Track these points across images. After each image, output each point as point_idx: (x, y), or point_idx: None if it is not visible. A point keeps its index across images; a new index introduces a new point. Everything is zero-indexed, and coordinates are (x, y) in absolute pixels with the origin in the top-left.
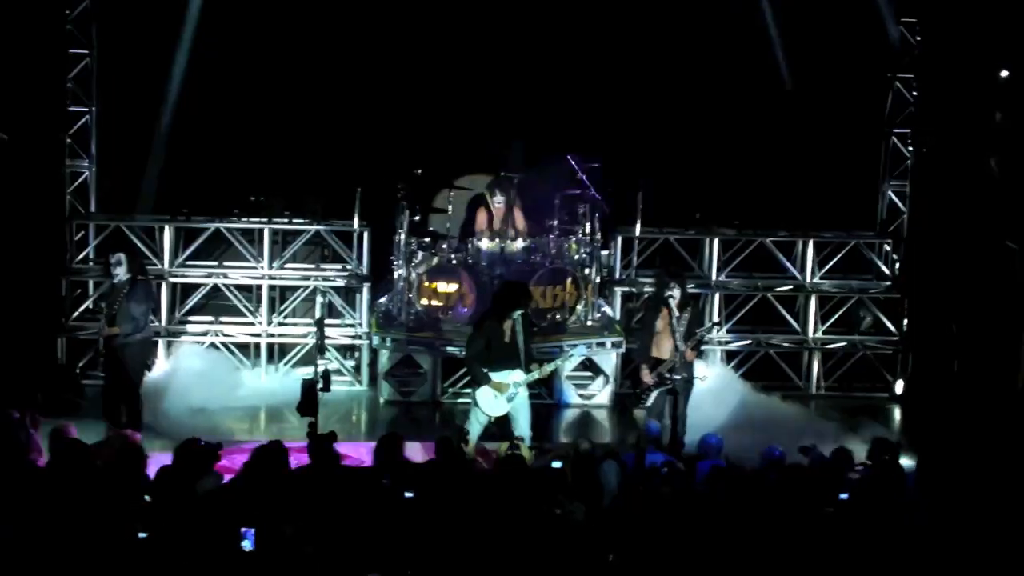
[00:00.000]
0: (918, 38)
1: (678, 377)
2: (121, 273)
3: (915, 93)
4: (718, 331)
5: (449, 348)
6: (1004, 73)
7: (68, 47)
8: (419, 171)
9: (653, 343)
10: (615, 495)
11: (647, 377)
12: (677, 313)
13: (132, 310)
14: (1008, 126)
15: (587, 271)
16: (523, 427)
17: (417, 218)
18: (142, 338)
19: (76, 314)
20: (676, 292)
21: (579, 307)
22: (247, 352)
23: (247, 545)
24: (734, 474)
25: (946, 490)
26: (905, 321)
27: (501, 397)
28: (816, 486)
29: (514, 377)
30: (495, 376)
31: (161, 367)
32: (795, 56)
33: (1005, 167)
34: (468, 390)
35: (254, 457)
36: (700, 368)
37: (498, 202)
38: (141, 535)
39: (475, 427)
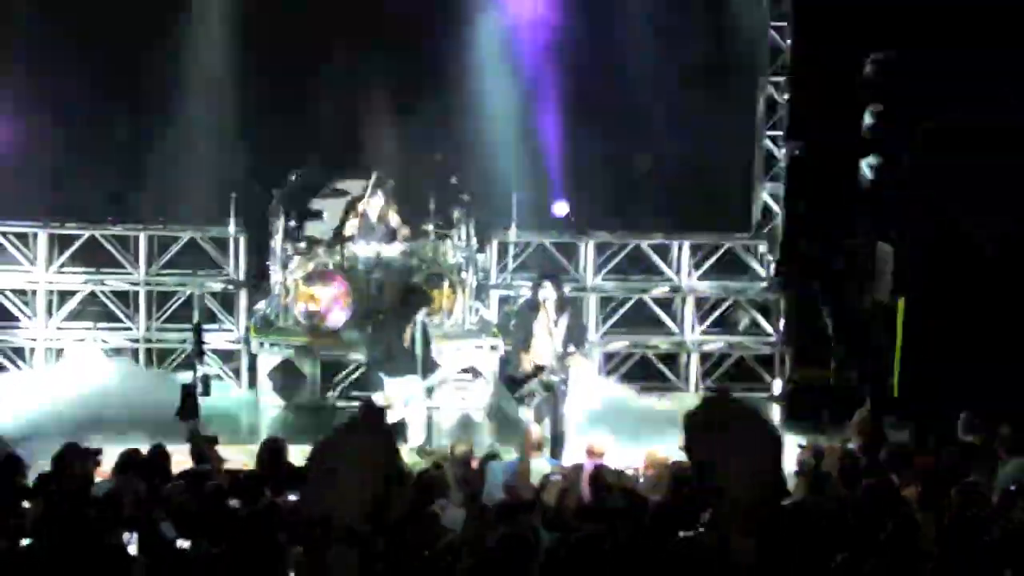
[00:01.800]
0: (788, 41)
1: (556, 378)
2: None
3: (786, 96)
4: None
5: (328, 351)
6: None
7: None
8: (295, 175)
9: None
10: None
11: (527, 364)
12: (554, 316)
13: None
14: (878, 127)
15: (463, 275)
16: (414, 433)
17: (293, 223)
18: None
19: None
20: (551, 293)
21: (456, 311)
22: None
23: (131, 549)
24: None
25: None
26: (782, 321)
27: (395, 404)
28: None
29: (409, 387)
30: (391, 381)
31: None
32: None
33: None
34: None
35: (136, 462)
36: (583, 371)
37: (374, 202)
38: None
39: None
